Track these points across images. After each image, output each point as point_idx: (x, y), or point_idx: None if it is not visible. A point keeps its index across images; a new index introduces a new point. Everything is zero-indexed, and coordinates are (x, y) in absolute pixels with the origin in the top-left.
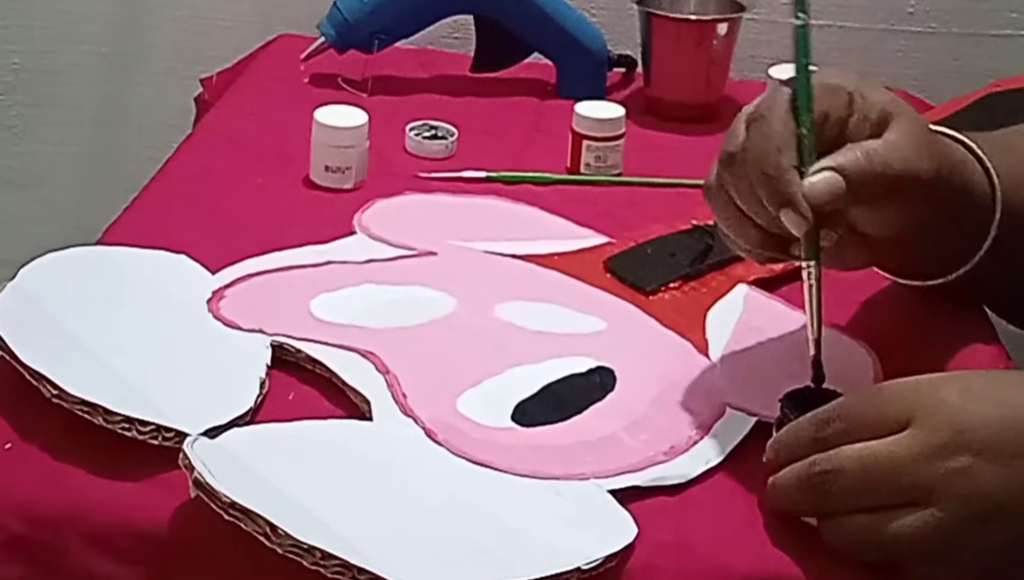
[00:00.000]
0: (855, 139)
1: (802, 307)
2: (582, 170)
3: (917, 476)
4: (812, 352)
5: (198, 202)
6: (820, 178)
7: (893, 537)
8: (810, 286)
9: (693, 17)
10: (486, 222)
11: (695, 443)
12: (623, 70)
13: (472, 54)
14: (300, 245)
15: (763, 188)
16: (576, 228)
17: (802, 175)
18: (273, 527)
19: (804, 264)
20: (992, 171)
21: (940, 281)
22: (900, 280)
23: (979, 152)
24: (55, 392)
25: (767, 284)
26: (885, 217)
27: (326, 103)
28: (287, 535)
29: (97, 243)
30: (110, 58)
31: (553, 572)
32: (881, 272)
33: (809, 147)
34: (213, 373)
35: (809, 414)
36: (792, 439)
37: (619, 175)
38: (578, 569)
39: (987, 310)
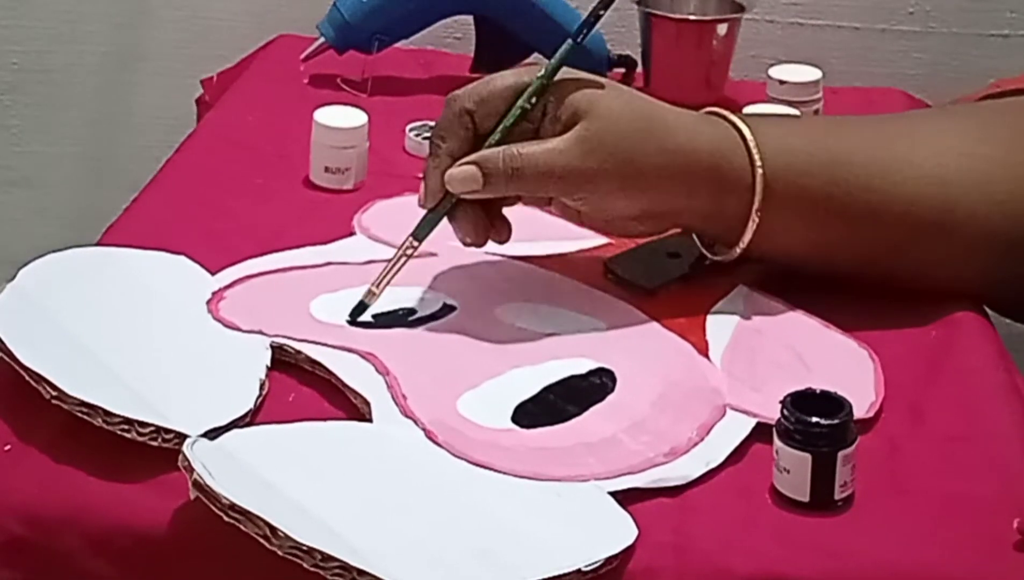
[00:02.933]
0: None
1: (802, 308)
2: None
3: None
4: (363, 301)
5: (198, 203)
6: (460, 169)
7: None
8: (401, 257)
9: (693, 17)
10: None
11: (695, 445)
12: (623, 70)
13: (472, 54)
14: (300, 246)
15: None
16: (576, 229)
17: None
18: (273, 529)
19: (410, 237)
20: (755, 152)
21: (735, 252)
22: (704, 251)
23: (748, 135)
24: (54, 393)
25: (767, 285)
26: (592, 206)
27: (326, 103)
28: (287, 537)
29: (97, 243)
30: (110, 58)
31: (553, 574)
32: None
33: (493, 140)
34: (213, 374)
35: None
36: None
37: None
38: (578, 571)
39: (987, 310)
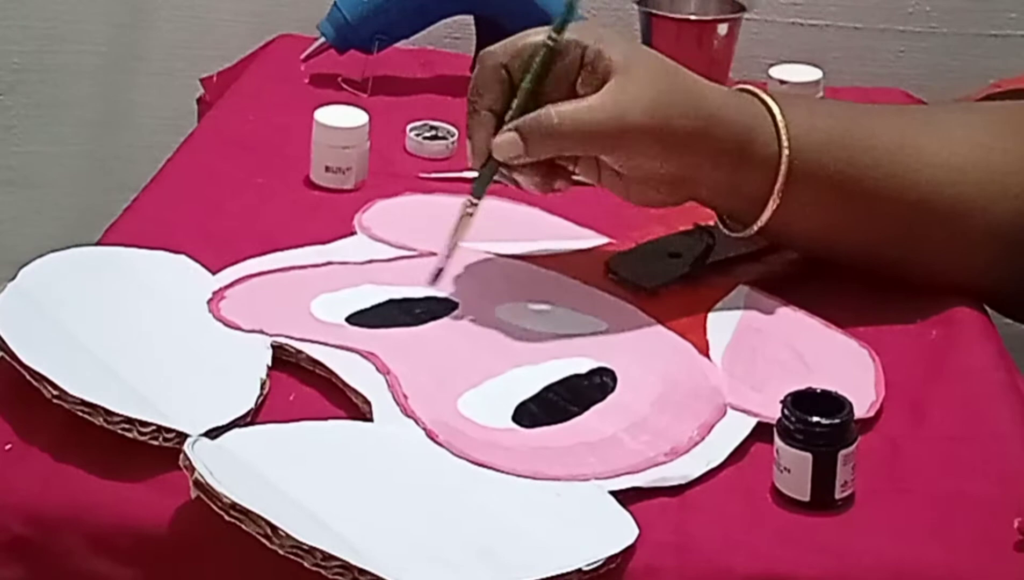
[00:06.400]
0: (582, 93)
1: (803, 308)
2: None
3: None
4: (439, 266)
5: (198, 202)
6: (502, 138)
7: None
8: (464, 217)
9: (693, 17)
10: (486, 222)
11: (696, 444)
12: None
13: (472, 54)
14: (300, 245)
15: (467, 118)
16: (576, 228)
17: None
18: (274, 528)
19: (468, 198)
20: (783, 130)
21: (753, 228)
22: (731, 233)
23: (777, 113)
24: (55, 392)
25: (768, 285)
26: (627, 163)
27: (326, 103)
28: (288, 536)
29: (97, 243)
30: (110, 58)
31: (554, 573)
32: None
33: (520, 100)
34: (214, 374)
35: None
36: None
37: None
38: (579, 570)
39: (988, 309)
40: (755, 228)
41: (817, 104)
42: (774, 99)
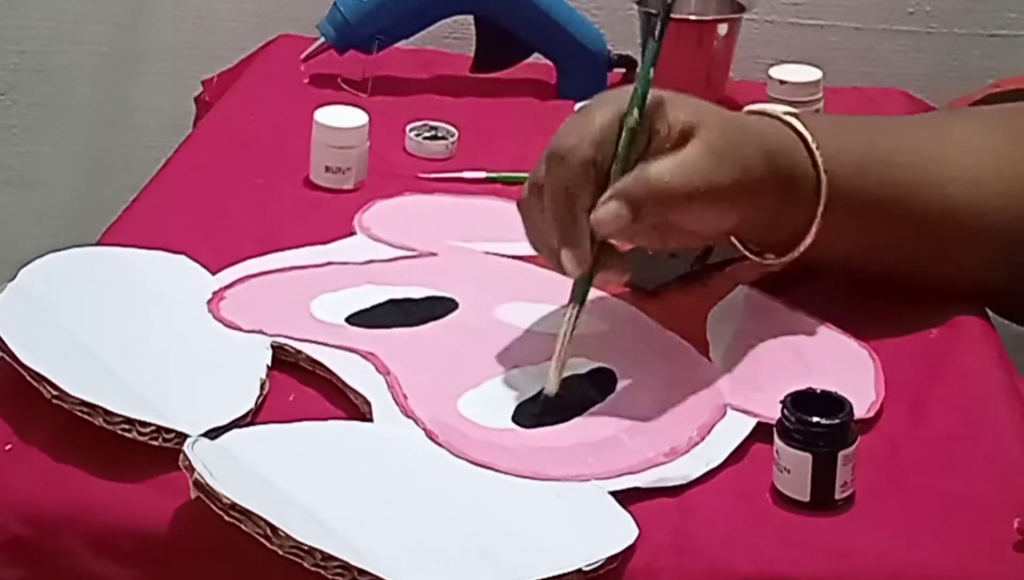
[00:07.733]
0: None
1: (803, 308)
2: None
3: None
4: (552, 386)
5: (198, 202)
6: (604, 210)
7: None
8: (568, 322)
9: (693, 17)
10: (486, 222)
11: (696, 444)
12: (623, 70)
13: (472, 54)
14: (300, 246)
15: (555, 225)
16: None
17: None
18: (274, 528)
19: (569, 304)
20: (818, 157)
21: (788, 258)
22: (751, 257)
23: (808, 139)
24: (55, 393)
25: (768, 286)
26: (701, 219)
27: (326, 103)
28: (288, 536)
29: (97, 243)
30: (110, 58)
31: (554, 573)
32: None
33: (615, 177)
34: (213, 374)
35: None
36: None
37: None
38: (579, 570)
39: (988, 310)
40: (793, 256)
41: (837, 123)
42: (800, 121)
